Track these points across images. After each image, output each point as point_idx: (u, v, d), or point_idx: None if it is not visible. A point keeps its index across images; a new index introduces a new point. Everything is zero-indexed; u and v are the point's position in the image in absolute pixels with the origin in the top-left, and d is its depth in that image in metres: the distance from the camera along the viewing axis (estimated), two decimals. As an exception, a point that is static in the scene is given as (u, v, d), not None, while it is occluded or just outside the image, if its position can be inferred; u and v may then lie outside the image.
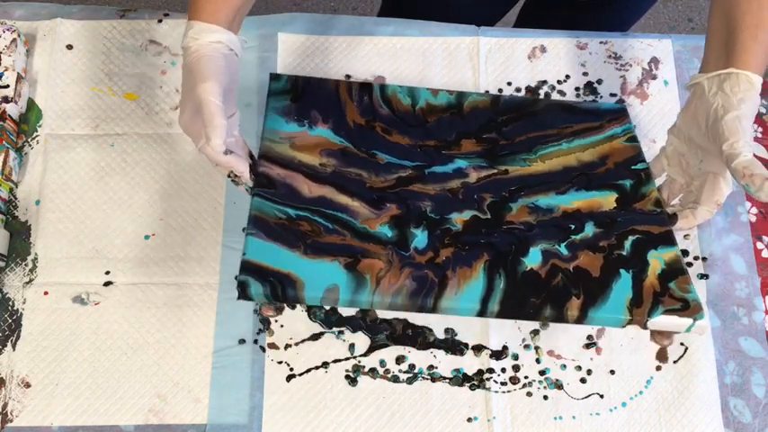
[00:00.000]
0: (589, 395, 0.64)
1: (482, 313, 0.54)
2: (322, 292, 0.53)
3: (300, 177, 0.60)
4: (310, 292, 0.53)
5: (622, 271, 0.57)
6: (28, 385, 0.63)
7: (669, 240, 0.59)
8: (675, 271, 0.57)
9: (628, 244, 0.59)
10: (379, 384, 0.64)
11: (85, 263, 0.66)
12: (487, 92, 0.75)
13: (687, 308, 0.54)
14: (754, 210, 0.71)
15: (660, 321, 0.54)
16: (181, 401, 0.63)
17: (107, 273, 0.66)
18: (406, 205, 0.60)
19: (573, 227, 0.60)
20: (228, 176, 0.58)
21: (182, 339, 0.64)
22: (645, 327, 0.54)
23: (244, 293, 0.53)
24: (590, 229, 0.60)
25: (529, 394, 0.64)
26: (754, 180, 0.50)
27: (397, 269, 0.55)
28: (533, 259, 0.57)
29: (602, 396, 0.64)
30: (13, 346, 0.64)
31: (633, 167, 0.65)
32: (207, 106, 0.50)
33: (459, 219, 0.60)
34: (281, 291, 0.53)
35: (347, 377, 0.64)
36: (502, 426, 0.63)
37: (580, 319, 0.54)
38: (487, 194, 0.62)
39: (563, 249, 0.58)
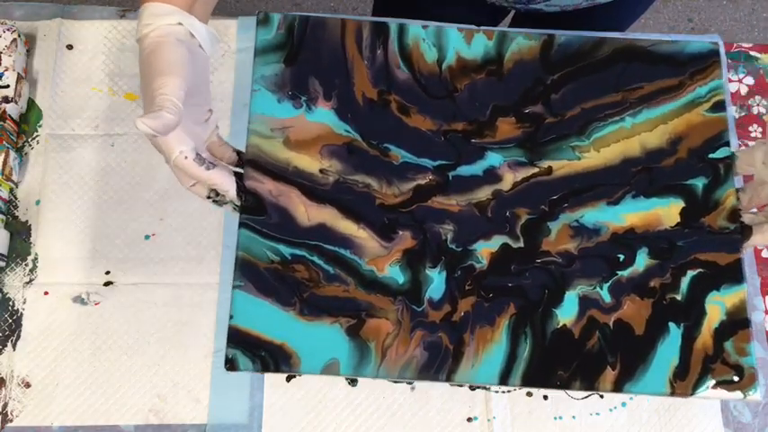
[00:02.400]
0: (589, 395, 0.64)
1: (502, 383, 0.49)
2: (320, 369, 0.48)
3: (296, 195, 0.51)
4: (307, 367, 0.48)
5: (672, 325, 0.49)
6: (28, 385, 0.63)
7: (736, 276, 0.50)
8: (736, 323, 0.50)
9: (684, 284, 0.50)
10: (379, 384, 0.64)
11: (85, 263, 0.66)
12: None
13: (740, 377, 0.48)
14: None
15: (706, 394, 0.48)
16: (181, 401, 0.63)
17: (107, 273, 0.66)
18: (422, 232, 0.51)
19: (622, 257, 0.51)
20: (209, 197, 0.49)
21: (182, 339, 0.64)
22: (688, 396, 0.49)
23: (232, 367, 0.48)
24: (642, 261, 0.51)
25: (529, 394, 0.64)
26: None
27: (407, 333, 0.49)
28: (568, 311, 0.50)
29: (602, 396, 0.64)
30: (14, 346, 0.64)
31: (711, 156, 0.53)
32: (164, 108, 0.42)
33: (485, 250, 0.51)
34: (273, 366, 0.48)
35: (347, 377, 0.64)
36: (502, 426, 0.63)
37: (614, 392, 0.49)
38: (523, 210, 0.52)
39: (605, 294, 0.50)
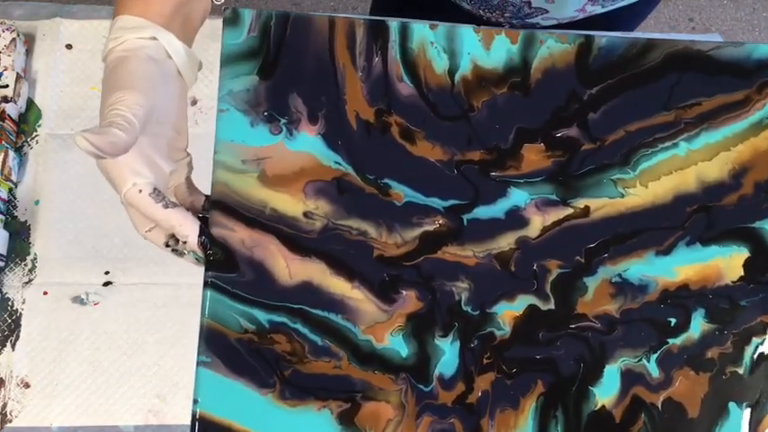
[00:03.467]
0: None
1: None
2: None
3: (275, 245, 0.42)
4: None
5: (733, 406, 0.42)
6: (27, 385, 0.63)
7: None
8: None
9: (749, 354, 0.42)
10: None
11: (85, 263, 0.66)
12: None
13: None
14: None
15: None
16: (181, 401, 0.63)
17: (107, 273, 0.66)
18: (430, 291, 0.42)
19: (673, 321, 0.43)
20: (167, 245, 0.41)
21: (182, 339, 0.64)
22: None
23: None
24: (698, 325, 0.43)
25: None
26: None
27: (412, 419, 0.41)
28: (608, 389, 0.42)
29: None
30: (13, 347, 0.63)
31: None
32: (114, 123, 0.35)
33: (508, 314, 0.42)
34: None
35: None
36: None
37: None
38: (554, 262, 0.43)
39: (653, 367, 0.42)
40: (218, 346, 0.41)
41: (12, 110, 0.67)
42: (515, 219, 0.43)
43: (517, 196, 0.44)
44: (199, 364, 0.41)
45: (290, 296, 0.42)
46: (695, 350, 0.43)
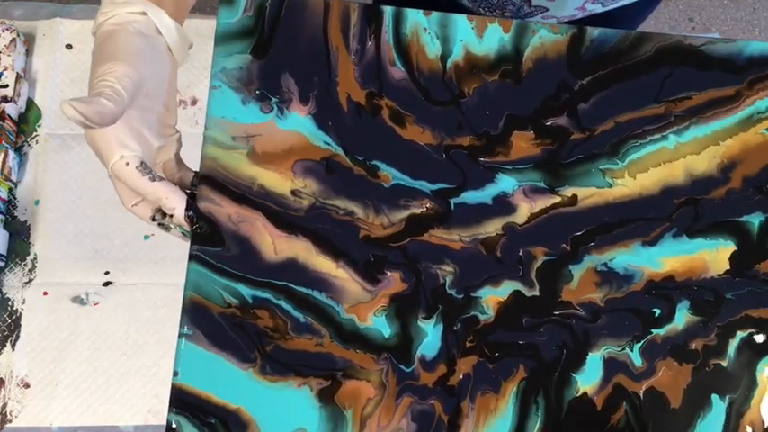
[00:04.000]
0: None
1: None
2: None
3: (261, 222, 0.42)
4: None
5: (715, 398, 0.42)
6: (27, 385, 0.63)
7: None
8: None
9: (733, 347, 0.42)
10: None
11: (85, 263, 0.66)
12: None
13: None
14: None
15: None
16: (180, 402, 0.63)
17: (106, 273, 0.66)
18: (415, 273, 0.42)
19: (658, 312, 0.42)
20: (153, 219, 0.42)
21: (181, 339, 0.64)
22: None
23: None
24: (682, 317, 0.42)
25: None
26: None
27: (392, 399, 0.41)
28: (590, 376, 0.42)
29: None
30: (13, 347, 0.63)
31: None
32: (102, 94, 0.35)
33: (492, 299, 0.42)
34: None
35: None
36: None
37: None
38: (540, 249, 0.43)
39: (636, 356, 0.42)
40: (200, 320, 0.41)
41: (12, 110, 0.67)
42: (503, 205, 0.43)
43: (505, 182, 0.43)
44: (180, 336, 0.41)
45: (275, 272, 0.41)
46: (679, 341, 0.42)
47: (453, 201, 0.43)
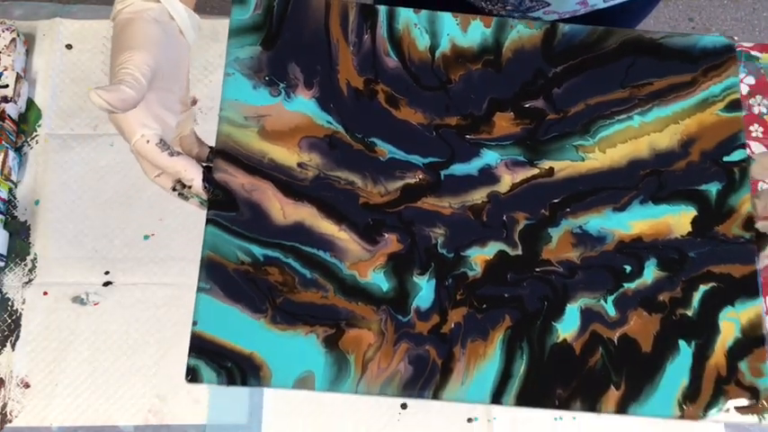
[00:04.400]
0: (589, 395, 0.64)
1: (494, 403, 0.45)
2: (292, 382, 0.44)
3: (271, 190, 0.46)
4: (277, 380, 0.44)
5: (682, 343, 0.46)
6: (27, 385, 0.63)
7: (751, 290, 0.46)
8: (751, 341, 0.46)
9: (697, 299, 0.46)
10: (379, 385, 0.64)
11: (85, 263, 0.66)
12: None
13: (756, 399, 0.45)
14: None
15: (719, 418, 0.45)
16: (180, 401, 0.63)
17: (106, 273, 0.66)
18: (410, 235, 0.46)
19: (629, 269, 0.47)
20: (174, 189, 0.46)
21: (181, 339, 0.64)
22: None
23: (194, 379, 0.43)
24: (650, 273, 0.47)
25: (529, 395, 0.64)
26: None
27: (390, 345, 0.45)
28: (569, 325, 0.45)
29: (602, 396, 0.64)
30: (13, 347, 0.63)
31: (726, 159, 0.49)
32: (123, 81, 0.39)
33: (479, 257, 0.46)
34: (240, 378, 0.43)
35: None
36: (502, 426, 0.63)
37: (618, 413, 0.45)
38: (522, 214, 0.47)
39: (610, 307, 0.46)
40: (216, 275, 0.45)
41: (12, 110, 0.67)
42: (487, 176, 0.48)
43: (489, 156, 0.48)
44: (199, 290, 0.44)
45: (284, 234, 0.46)
46: (648, 294, 0.46)
47: (443, 172, 0.48)
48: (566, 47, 0.51)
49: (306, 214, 0.46)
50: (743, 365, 0.46)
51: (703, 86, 0.50)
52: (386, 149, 0.48)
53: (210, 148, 0.48)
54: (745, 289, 0.47)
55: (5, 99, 0.67)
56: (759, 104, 0.75)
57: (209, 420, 0.62)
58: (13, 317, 0.64)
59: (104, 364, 0.63)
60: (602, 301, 0.46)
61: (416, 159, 0.48)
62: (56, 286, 0.65)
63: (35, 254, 0.66)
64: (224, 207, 0.46)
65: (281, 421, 0.63)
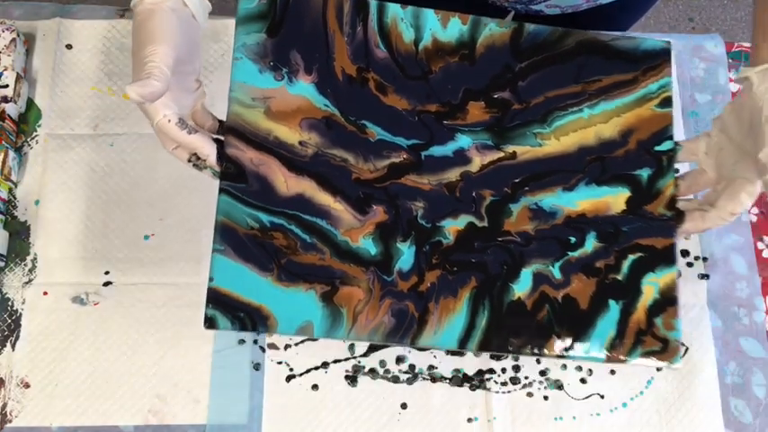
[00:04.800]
0: (589, 395, 0.64)
1: (460, 348, 0.53)
2: (295, 330, 0.51)
3: (276, 165, 0.53)
4: (282, 328, 0.51)
5: (612, 302, 0.54)
6: (27, 385, 0.63)
7: (669, 259, 0.55)
8: (666, 301, 0.55)
9: (626, 266, 0.55)
10: (379, 384, 0.64)
11: (85, 263, 0.66)
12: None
13: (666, 348, 0.54)
14: (755, 210, 0.71)
15: (637, 362, 0.54)
16: (180, 402, 0.63)
17: (106, 273, 0.66)
18: (395, 207, 0.54)
19: (573, 240, 0.55)
20: (189, 161, 0.52)
21: (181, 339, 0.64)
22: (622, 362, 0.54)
23: (212, 326, 0.50)
24: (590, 244, 0.55)
25: (529, 395, 0.64)
26: None
27: (377, 300, 0.52)
28: (523, 285, 0.54)
29: (602, 396, 0.64)
30: (13, 347, 0.63)
31: (656, 149, 0.57)
32: (152, 75, 0.45)
33: (452, 228, 0.54)
34: (251, 326, 0.51)
35: (347, 377, 0.64)
36: (502, 426, 0.63)
37: (558, 357, 0.54)
38: (488, 191, 0.55)
39: (556, 272, 0.54)
40: (229, 239, 0.52)
41: (12, 110, 0.67)
42: (461, 157, 0.55)
43: (462, 140, 0.56)
44: (214, 251, 0.51)
45: (287, 204, 0.53)
46: (587, 261, 0.55)
47: (423, 153, 0.55)
48: (531, 44, 0.58)
49: (306, 187, 0.53)
50: (658, 321, 0.54)
51: (642, 84, 0.58)
52: (375, 131, 0.55)
53: (221, 121, 0.53)
54: (665, 258, 0.55)
55: (5, 99, 0.67)
56: (759, 104, 0.74)
57: (209, 420, 0.62)
58: (13, 317, 0.64)
59: (104, 364, 0.63)
60: (551, 267, 0.55)
61: (401, 141, 0.55)
62: (56, 286, 0.65)
63: (35, 254, 0.66)
64: (235, 179, 0.52)
65: (281, 421, 0.63)
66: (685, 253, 0.69)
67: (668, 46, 0.59)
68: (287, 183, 0.53)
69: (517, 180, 0.56)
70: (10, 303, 0.65)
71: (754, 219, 0.71)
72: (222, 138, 0.52)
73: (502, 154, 0.56)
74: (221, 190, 0.52)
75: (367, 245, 0.53)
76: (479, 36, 0.57)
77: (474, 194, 0.55)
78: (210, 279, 0.51)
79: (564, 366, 0.65)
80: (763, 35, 0.51)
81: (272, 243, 0.52)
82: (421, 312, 0.53)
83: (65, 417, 0.62)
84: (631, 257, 0.55)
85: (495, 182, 0.56)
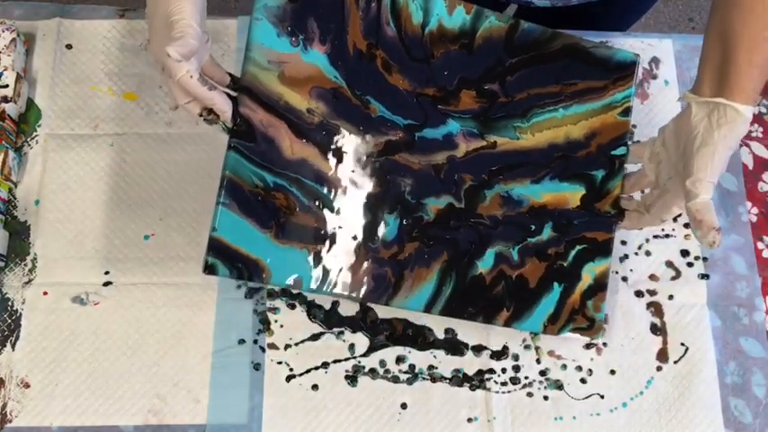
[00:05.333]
0: (589, 395, 0.64)
1: (426, 311, 0.59)
2: (286, 282, 0.55)
3: (284, 129, 0.55)
4: (275, 280, 0.55)
5: (555, 284, 0.61)
6: (27, 385, 0.63)
7: (607, 251, 0.62)
8: (598, 287, 0.62)
9: (572, 255, 0.62)
10: (379, 384, 0.64)
11: (85, 263, 0.66)
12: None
13: (592, 327, 0.62)
14: (755, 210, 0.71)
15: (567, 335, 0.62)
16: (180, 402, 0.63)
17: (106, 273, 0.66)
18: (386, 181, 0.58)
19: (533, 227, 0.61)
20: (200, 115, 0.52)
21: (181, 339, 0.64)
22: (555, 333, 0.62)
23: (210, 272, 0.53)
24: (547, 233, 0.61)
25: (529, 395, 0.64)
26: (702, 226, 0.50)
27: (361, 264, 0.57)
28: (486, 263, 0.60)
29: (602, 396, 0.64)
30: (13, 347, 0.63)
31: (613, 153, 0.62)
32: (187, 34, 0.46)
33: (434, 206, 0.59)
34: (247, 276, 0.54)
35: (347, 377, 0.64)
36: (502, 426, 0.63)
37: (504, 326, 0.61)
38: (468, 176, 0.60)
39: (515, 254, 0.61)
40: (234, 194, 0.54)
41: (12, 110, 0.67)
42: (449, 142, 0.60)
43: (452, 126, 0.60)
44: (219, 203, 0.53)
45: (291, 167, 0.55)
46: (542, 247, 0.61)
47: (417, 134, 0.59)
48: (523, 41, 0.61)
49: (310, 153, 0.56)
50: (589, 303, 0.62)
51: (611, 93, 0.63)
52: (377, 107, 0.58)
53: (230, 75, 0.54)
54: (603, 250, 0.62)
55: (5, 99, 0.67)
56: (759, 104, 0.75)
57: (210, 420, 0.62)
58: (13, 317, 0.64)
59: (104, 364, 0.63)
60: (511, 249, 0.61)
61: (399, 120, 0.58)
62: (56, 286, 0.65)
63: (35, 254, 0.66)
64: (245, 137, 0.54)
65: (281, 421, 0.63)
66: (685, 253, 0.69)
67: (636, 59, 0.63)
68: (292, 147, 0.55)
69: (494, 168, 0.61)
70: (10, 303, 0.65)
71: (754, 219, 0.71)
72: (234, 94, 0.54)
73: (484, 143, 0.60)
74: (231, 146, 0.54)
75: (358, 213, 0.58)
76: (480, 27, 0.60)
77: (456, 177, 0.60)
78: (214, 229, 0.53)
79: (564, 366, 0.65)
80: (710, 71, 0.53)
81: (273, 202, 0.55)
82: (397, 278, 0.58)
83: (65, 417, 0.62)
84: (578, 247, 0.62)
85: (476, 168, 0.60)
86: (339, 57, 0.56)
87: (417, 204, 0.59)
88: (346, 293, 0.57)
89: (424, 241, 0.59)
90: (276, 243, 0.55)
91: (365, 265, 0.57)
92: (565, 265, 0.62)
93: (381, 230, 0.58)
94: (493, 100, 0.61)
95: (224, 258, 0.54)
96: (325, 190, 0.56)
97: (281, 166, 0.55)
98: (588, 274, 0.62)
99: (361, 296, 0.57)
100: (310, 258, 0.56)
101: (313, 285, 0.56)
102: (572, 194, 0.62)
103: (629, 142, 0.63)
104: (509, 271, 0.61)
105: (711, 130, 0.51)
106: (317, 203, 0.56)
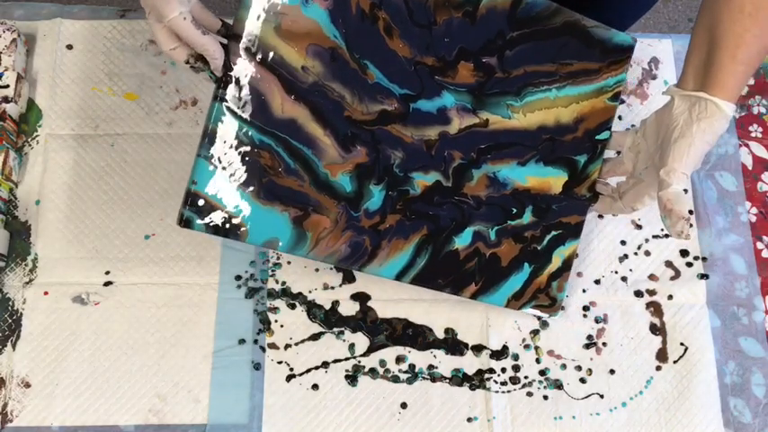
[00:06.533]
0: (589, 395, 0.64)
1: (396, 279, 0.59)
2: (262, 242, 0.54)
3: (276, 85, 0.52)
4: (252, 239, 0.53)
5: (526, 265, 0.62)
6: (28, 385, 0.63)
7: (577, 233, 0.63)
8: (564, 268, 0.64)
9: (546, 239, 0.63)
10: (379, 384, 0.64)
11: (85, 263, 0.66)
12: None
13: (552, 305, 0.64)
14: (755, 210, 0.71)
15: (528, 311, 0.64)
16: (181, 401, 0.63)
17: (107, 273, 0.66)
18: (376, 151, 0.56)
19: (515, 210, 0.61)
20: (187, 62, 0.50)
21: (182, 339, 0.64)
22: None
23: (185, 225, 0.51)
24: (527, 217, 0.62)
25: (529, 394, 0.64)
26: (671, 215, 0.50)
27: (340, 231, 0.56)
28: (464, 240, 0.60)
29: (602, 396, 0.64)
30: (13, 346, 0.63)
31: (597, 137, 0.62)
32: None
33: (421, 182, 0.58)
34: (223, 232, 0.52)
35: (347, 377, 0.64)
36: (502, 426, 0.63)
37: (471, 298, 0.62)
38: (458, 153, 0.59)
39: (493, 234, 0.61)
40: (217, 148, 0.51)
41: (12, 110, 0.67)
42: (443, 117, 0.59)
43: (447, 99, 0.58)
44: (199, 155, 0.51)
45: (280, 126, 0.53)
46: (520, 230, 0.62)
47: (412, 105, 0.57)
48: (525, 15, 0.59)
49: (300, 113, 0.53)
50: (554, 284, 0.64)
51: (604, 76, 0.61)
52: (374, 74, 0.56)
53: (222, 21, 0.52)
54: (574, 233, 0.63)
55: (6, 99, 0.67)
56: (758, 104, 0.75)
57: (210, 420, 0.62)
58: (14, 317, 0.64)
59: (105, 364, 0.63)
60: (489, 230, 0.61)
61: (395, 89, 0.56)
62: (56, 286, 0.65)
63: (35, 254, 0.66)
64: (233, 89, 0.51)
65: (281, 421, 0.63)
66: (685, 253, 0.69)
67: (634, 43, 0.62)
68: (283, 105, 0.53)
69: (483, 146, 0.60)
70: (11, 303, 0.65)
71: (754, 219, 0.71)
72: (226, 42, 0.51)
73: (477, 120, 0.59)
74: (218, 98, 0.51)
75: (344, 181, 0.56)
76: None
77: (446, 154, 0.59)
78: (193, 182, 0.51)
79: (563, 366, 0.65)
80: (695, 65, 0.54)
81: (257, 161, 0.53)
82: (373, 248, 0.58)
83: (65, 416, 0.62)
84: (553, 233, 0.63)
85: (466, 146, 0.59)
86: (341, 14, 0.53)
87: (405, 178, 0.58)
88: (320, 257, 0.56)
89: (406, 215, 0.58)
90: (257, 202, 0.53)
91: (344, 232, 0.56)
92: (539, 248, 0.62)
93: (366, 200, 0.57)
94: (489, 75, 0.59)
95: (201, 213, 0.51)
96: (312, 154, 0.54)
97: (270, 124, 0.53)
98: (558, 257, 0.63)
99: (334, 261, 0.57)
100: (290, 222, 0.54)
101: (288, 248, 0.55)
102: (555, 180, 0.62)
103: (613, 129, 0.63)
104: (484, 249, 0.61)
105: (691, 123, 0.52)
106: (302, 167, 0.54)
